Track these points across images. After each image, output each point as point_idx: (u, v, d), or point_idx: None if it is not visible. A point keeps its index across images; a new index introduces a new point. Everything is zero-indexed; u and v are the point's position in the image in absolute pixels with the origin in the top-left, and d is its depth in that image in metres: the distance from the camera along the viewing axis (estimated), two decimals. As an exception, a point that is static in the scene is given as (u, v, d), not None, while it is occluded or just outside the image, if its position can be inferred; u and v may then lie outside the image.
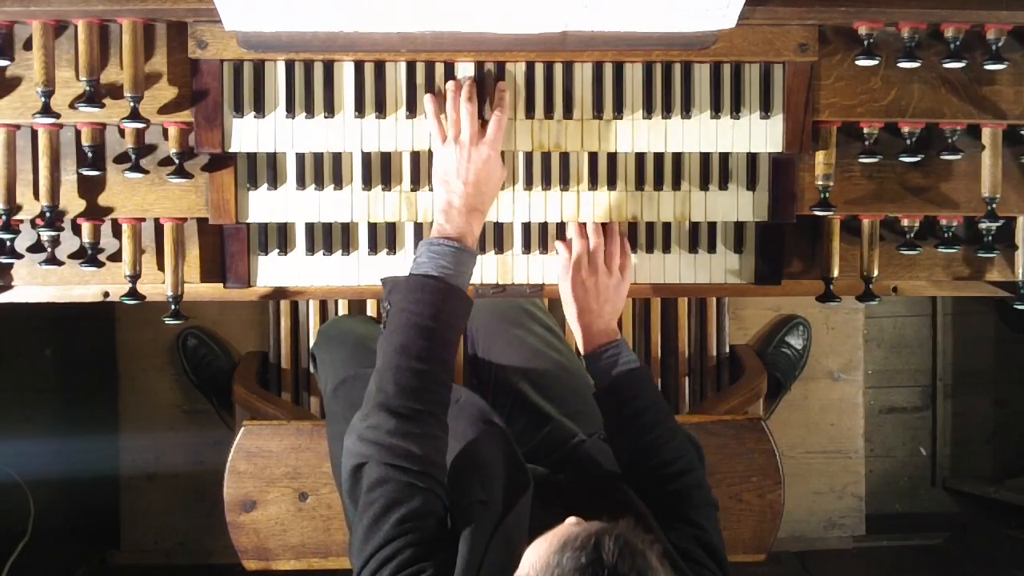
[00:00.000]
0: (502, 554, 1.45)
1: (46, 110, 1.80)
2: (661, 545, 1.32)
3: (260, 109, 1.89)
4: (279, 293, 1.99)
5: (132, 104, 1.81)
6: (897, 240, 2.01)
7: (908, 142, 1.93)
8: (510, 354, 2.20)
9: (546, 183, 1.94)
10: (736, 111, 1.93)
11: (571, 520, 1.35)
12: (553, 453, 1.94)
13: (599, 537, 1.25)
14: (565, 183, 1.95)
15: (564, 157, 1.95)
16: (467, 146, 1.81)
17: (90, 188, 1.91)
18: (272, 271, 1.97)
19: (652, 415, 1.77)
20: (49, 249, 1.91)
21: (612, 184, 1.95)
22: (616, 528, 1.27)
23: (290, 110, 1.90)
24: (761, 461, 2.16)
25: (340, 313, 2.75)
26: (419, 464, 1.54)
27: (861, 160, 1.94)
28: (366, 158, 1.93)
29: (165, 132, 1.89)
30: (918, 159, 1.93)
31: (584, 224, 1.94)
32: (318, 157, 1.93)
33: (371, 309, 2.72)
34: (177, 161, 1.87)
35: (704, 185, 1.96)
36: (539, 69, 1.91)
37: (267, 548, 2.15)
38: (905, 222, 1.99)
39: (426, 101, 1.87)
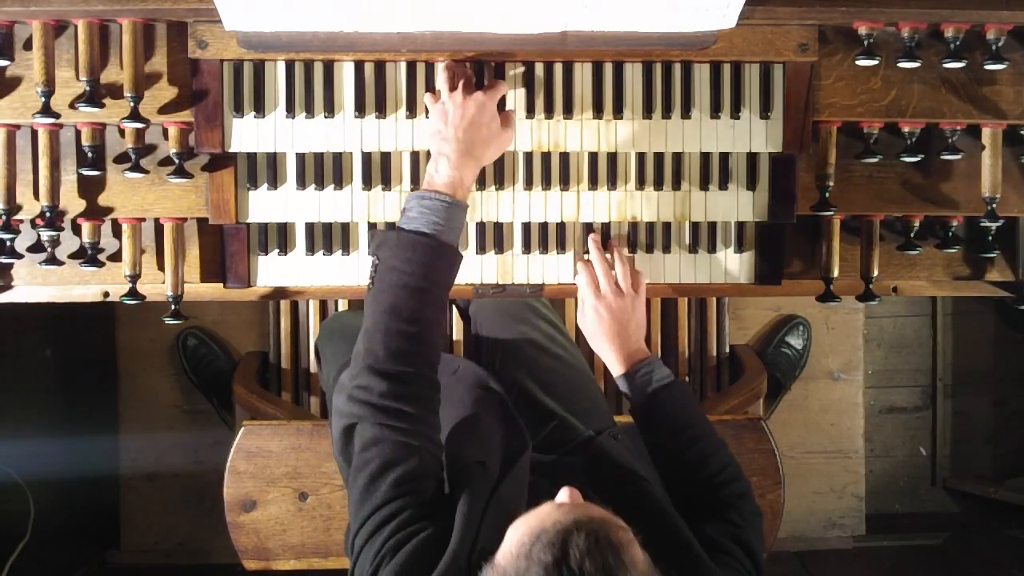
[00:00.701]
0: (500, 517, 1.44)
1: (46, 110, 1.80)
2: (643, 537, 1.29)
3: (260, 109, 1.89)
4: (279, 293, 1.99)
5: (132, 104, 1.81)
6: (897, 240, 2.01)
7: (908, 142, 1.93)
8: (514, 351, 2.20)
9: (546, 183, 1.94)
10: (736, 111, 1.93)
11: (561, 496, 1.33)
12: (558, 449, 1.94)
13: (567, 535, 1.22)
14: (565, 183, 1.95)
15: (564, 157, 1.95)
16: (460, 95, 1.78)
17: (90, 188, 1.91)
18: (272, 271, 1.97)
19: (693, 430, 1.76)
20: (49, 249, 1.91)
21: (612, 184, 1.95)
22: (591, 523, 1.24)
23: (290, 110, 1.90)
24: (761, 461, 2.16)
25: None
26: (413, 423, 1.54)
27: (861, 160, 1.94)
28: (366, 158, 1.93)
29: (165, 132, 1.89)
30: (918, 159, 1.93)
31: (587, 253, 1.93)
32: (318, 157, 1.92)
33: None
34: (177, 161, 1.87)
35: (704, 185, 1.96)
36: (539, 69, 1.91)
37: (267, 548, 2.15)
38: (905, 222, 1.98)
39: (426, 99, 1.87)
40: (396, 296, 1.62)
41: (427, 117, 1.86)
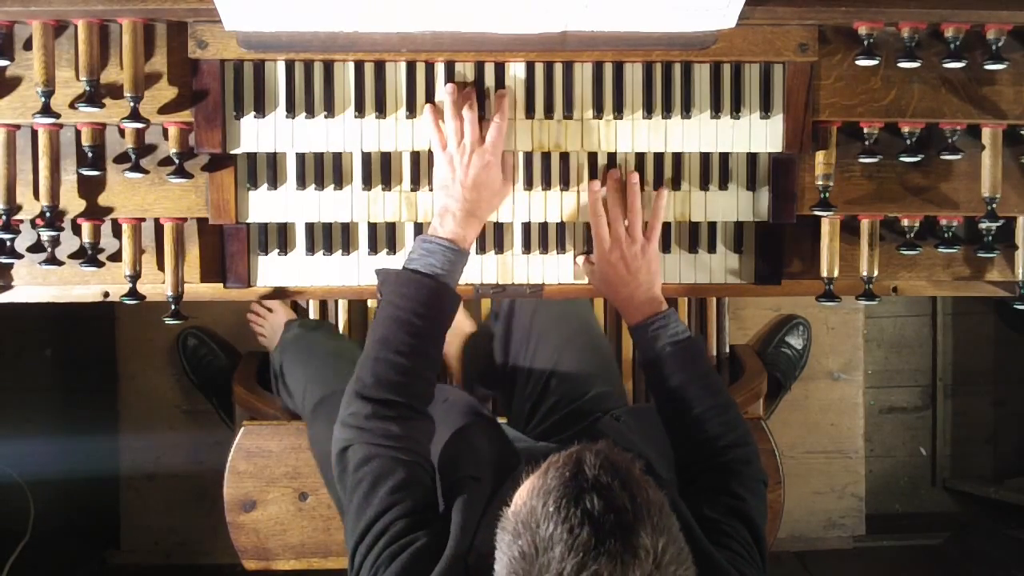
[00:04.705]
0: (496, 523, 1.46)
1: (46, 110, 1.80)
2: (643, 462, 1.33)
3: (260, 109, 1.89)
4: (279, 293, 1.99)
5: (132, 104, 1.81)
6: (897, 240, 2.01)
7: (908, 142, 1.93)
8: (544, 341, 2.21)
9: (546, 183, 1.94)
10: (736, 111, 1.93)
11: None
12: (566, 431, 1.96)
13: (580, 454, 1.27)
14: (565, 183, 1.95)
15: (564, 157, 1.95)
16: (467, 151, 1.82)
17: (90, 188, 1.91)
18: (272, 271, 1.97)
19: (700, 390, 1.75)
20: (49, 249, 1.91)
21: (612, 184, 1.94)
22: (596, 445, 1.30)
23: (290, 110, 1.90)
24: (761, 461, 2.16)
25: (340, 313, 2.75)
26: (401, 441, 1.58)
27: (861, 160, 1.94)
28: (366, 158, 1.93)
29: (165, 132, 1.89)
30: (918, 159, 1.93)
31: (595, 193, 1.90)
32: (318, 157, 1.92)
33: (371, 310, 2.72)
34: (177, 161, 1.87)
35: (704, 185, 1.96)
36: (539, 69, 1.91)
37: (267, 548, 2.15)
38: (905, 222, 1.98)
39: (426, 111, 1.87)
40: (388, 328, 1.67)
41: (425, 119, 1.87)
